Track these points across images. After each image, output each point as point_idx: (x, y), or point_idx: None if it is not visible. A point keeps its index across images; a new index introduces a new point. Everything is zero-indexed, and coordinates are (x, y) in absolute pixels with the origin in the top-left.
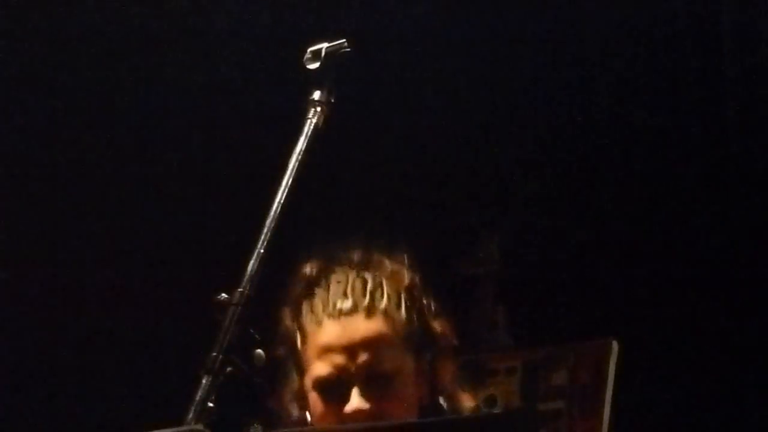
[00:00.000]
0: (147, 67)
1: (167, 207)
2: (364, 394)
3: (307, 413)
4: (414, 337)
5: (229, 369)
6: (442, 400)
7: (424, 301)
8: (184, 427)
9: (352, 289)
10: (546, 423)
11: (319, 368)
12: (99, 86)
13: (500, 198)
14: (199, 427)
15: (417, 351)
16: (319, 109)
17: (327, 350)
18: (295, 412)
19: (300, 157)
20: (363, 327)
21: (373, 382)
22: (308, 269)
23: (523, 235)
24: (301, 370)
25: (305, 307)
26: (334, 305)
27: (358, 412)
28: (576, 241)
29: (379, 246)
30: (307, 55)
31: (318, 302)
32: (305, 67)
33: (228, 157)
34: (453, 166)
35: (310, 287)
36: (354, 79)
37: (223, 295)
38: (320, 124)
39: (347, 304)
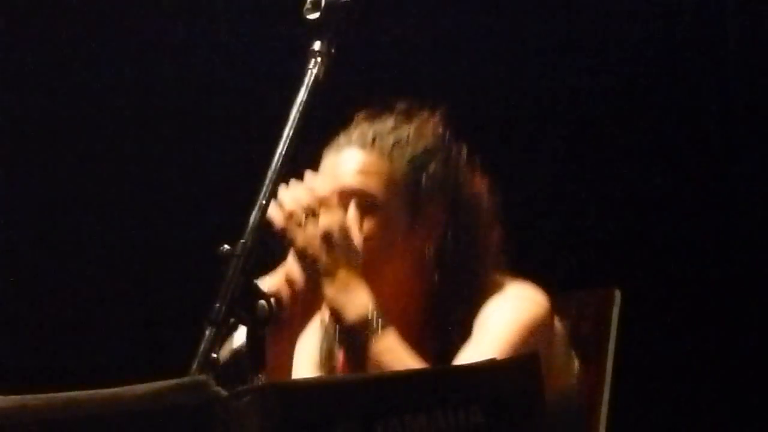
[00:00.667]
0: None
1: (169, 158)
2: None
3: None
4: (419, 188)
5: (232, 320)
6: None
7: (452, 154)
8: (188, 378)
9: (369, 127)
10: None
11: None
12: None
13: (501, 146)
14: (203, 377)
15: (422, 203)
16: (319, 59)
17: (324, 174)
18: None
19: (301, 108)
20: (352, 156)
21: (348, 202)
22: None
23: (523, 185)
24: None
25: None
26: (345, 135)
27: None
28: (576, 191)
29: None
30: (307, 5)
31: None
32: (305, 17)
33: (230, 108)
34: (456, 118)
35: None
36: (355, 28)
37: (226, 246)
38: (321, 75)
39: (354, 136)
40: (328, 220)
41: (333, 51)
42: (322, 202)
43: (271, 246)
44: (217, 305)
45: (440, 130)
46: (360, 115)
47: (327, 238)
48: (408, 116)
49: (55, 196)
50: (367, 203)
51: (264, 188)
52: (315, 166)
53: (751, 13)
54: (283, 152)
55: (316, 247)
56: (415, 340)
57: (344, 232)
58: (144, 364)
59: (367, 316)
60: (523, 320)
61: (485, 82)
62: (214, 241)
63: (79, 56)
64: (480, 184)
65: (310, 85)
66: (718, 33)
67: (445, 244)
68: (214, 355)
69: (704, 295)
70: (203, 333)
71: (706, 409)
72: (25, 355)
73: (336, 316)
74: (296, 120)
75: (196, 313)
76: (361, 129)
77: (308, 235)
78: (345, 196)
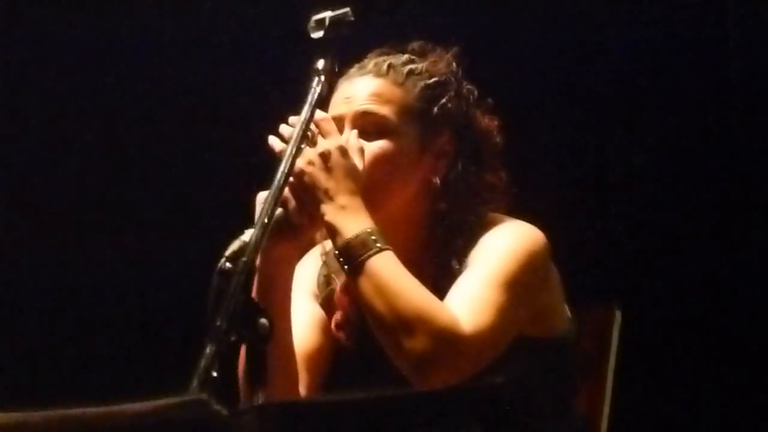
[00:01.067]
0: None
1: (170, 174)
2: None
3: None
4: (430, 117)
5: (233, 338)
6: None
7: (464, 90)
8: (188, 397)
9: (384, 59)
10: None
11: (332, 108)
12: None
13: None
14: (203, 395)
15: (432, 132)
16: (323, 77)
17: (337, 96)
18: None
19: (304, 125)
20: (367, 81)
21: (361, 123)
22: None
23: (524, 202)
24: None
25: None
26: (360, 67)
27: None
28: (578, 208)
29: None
30: (311, 24)
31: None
32: (309, 36)
33: (233, 124)
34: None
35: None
36: (358, 48)
37: (228, 264)
38: (324, 93)
39: (369, 66)
40: (326, 142)
41: (337, 69)
42: (321, 128)
43: None
44: (218, 323)
45: (453, 66)
46: (374, 51)
47: (325, 158)
48: (422, 52)
49: (50, 223)
50: (380, 126)
51: (266, 206)
52: None
53: (751, 12)
54: (286, 170)
55: (313, 169)
56: (413, 265)
57: (342, 151)
58: (144, 381)
59: (365, 237)
60: (519, 251)
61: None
62: (215, 258)
63: (80, 56)
64: (489, 123)
65: (313, 103)
66: (719, 35)
67: (451, 176)
68: (215, 373)
69: (705, 312)
70: (203, 350)
71: (706, 428)
72: (24, 372)
73: (333, 235)
74: (299, 138)
75: (196, 330)
76: (376, 60)
77: (306, 157)
78: (359, 118)
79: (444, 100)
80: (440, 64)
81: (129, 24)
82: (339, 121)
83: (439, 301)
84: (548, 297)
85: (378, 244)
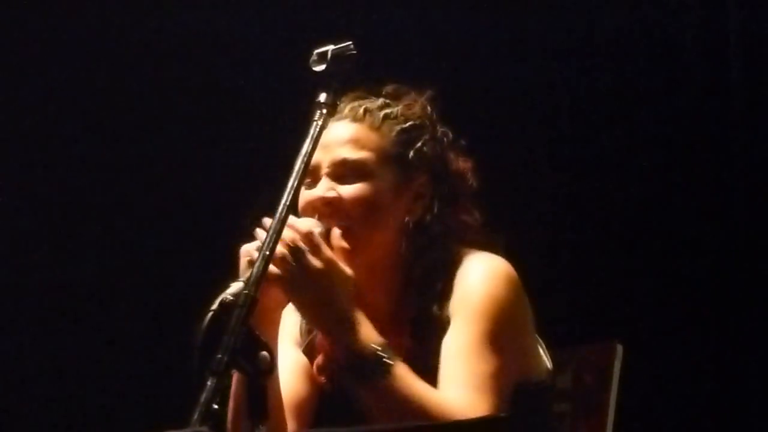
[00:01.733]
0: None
1: (172, 205)
2: (330, 186)
3: None
4: (407, 161)
5: (234, 371)
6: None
7: (438, 133)
8: (189, 430)
9: (360, 104)
10: (552, 426)
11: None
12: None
13: (504, 199)
14: (204, 429)
15: (409, 175)
16: (325, 111)
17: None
18: None
19: (306, 159)
20: (344, 127)
21: (341, 179)
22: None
23: (525, 237)
24: None
25: None
26: (337, 115)
27: (320, 199)
28: (578, 244)
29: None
30: (314, 57)
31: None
32: (311, 70)
33: (234, 160)
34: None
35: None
36: (360, 81)
37: (229, 297)
38: (326, 126)
39: (345, 111)
40: (289, 233)
41: (339, 103)
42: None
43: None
44: (219, 356)
45: (428, 110)
46: (349, 95)
47: (293, 250)
48: (396, 95)
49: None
50: (358, 171)
51: (267, 239)
52: None
53: (752, 12)
54: (287, 202)
55: (284, 263)
56: (393, 310)
57: (308, 237)
58: (146, 415)
59: (377, 356)
60: (501, 298)
61: (482, 135)
62: (216, 291)
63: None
64: (463, 164)
65: (315, 136)
66: (719, 39)
67: (427, 217)
68: (215, 406)
69: (707, 345)
70: (204, 383)
71: None
72: (28, 406)
73: (338, 347)
74: (301, 170)
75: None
76: (352, 105)
77: (276, 256)
78: (338, 165)
79: (419, 144)
80: (415, 107)
81: (129, 24)
82: (316, 169)
83: (451, 398)
84: (530, 338)
85: (390, 361)
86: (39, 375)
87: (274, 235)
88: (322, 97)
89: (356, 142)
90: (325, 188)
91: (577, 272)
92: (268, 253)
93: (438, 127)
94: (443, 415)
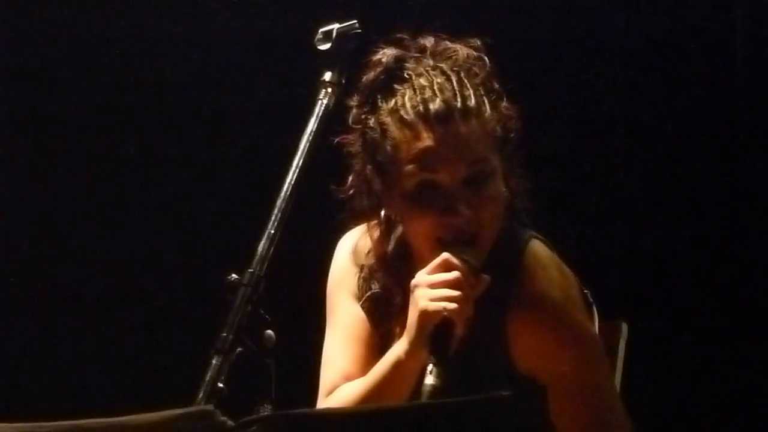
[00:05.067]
0: (157, 42)
1: (179, 187)
2: (465, 199)
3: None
4: (498, 132)
5: (239, 350)
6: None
7: (498, 89)
8: (194, 408)
9: (440, 89)
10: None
11: (417, 175)
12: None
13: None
14: (209, 407)
15: (501, 147)
16: (330, 90)
17: (424, 157)
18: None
19: (311, 137)
20: (461, 130)
21: (473, 185)
22: (382, 56)
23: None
24: (385, 173)
25: (385, 104)
26: (426, 108)
27: (462, 217)
28: (583, 224)
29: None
30: (319, 36)
31: (405, 102)
32: (316, 48)
33: (240, 138)
34: None
35: (389, 79)
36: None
37: (234, 275)
38: (331, 105)
39: (440, 106)
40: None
41: (343, 81)
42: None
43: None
44: (224, 334)
45: (482, 57)
46: (420, 76)
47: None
48: (443, 57)
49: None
50: (488, 172)
51: (273, 218)
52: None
53: (758, 12)
54: (293, 182)
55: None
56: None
57: (419, 279)
58: (151, 393)
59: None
60: (586, 326)
61: None
62: (222, 270)
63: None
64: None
65: (320, 115)
66: (725, 42)
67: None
68: (221, 384)
69: (713, 324)
70: (210, 362)
71: None
72: (31, 383)
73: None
74: (306, 150)
75: (203, 342)
76: (455, 92)
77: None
78: (475, 167)
79: (501, 106)
80: (484, 68)
81: (129, 23)
82: (455, 172)
83: None
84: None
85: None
86: (43, 357)
87: (280, 215)
88: (327, 75)
89: (485, 142)
90: (464, 206)
91: (581, 250)
92: (272, 231)
93: (497, 85)
94: None
